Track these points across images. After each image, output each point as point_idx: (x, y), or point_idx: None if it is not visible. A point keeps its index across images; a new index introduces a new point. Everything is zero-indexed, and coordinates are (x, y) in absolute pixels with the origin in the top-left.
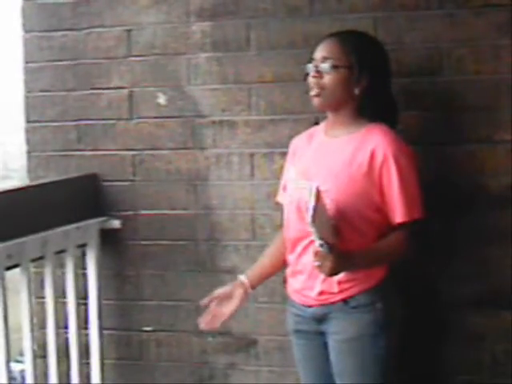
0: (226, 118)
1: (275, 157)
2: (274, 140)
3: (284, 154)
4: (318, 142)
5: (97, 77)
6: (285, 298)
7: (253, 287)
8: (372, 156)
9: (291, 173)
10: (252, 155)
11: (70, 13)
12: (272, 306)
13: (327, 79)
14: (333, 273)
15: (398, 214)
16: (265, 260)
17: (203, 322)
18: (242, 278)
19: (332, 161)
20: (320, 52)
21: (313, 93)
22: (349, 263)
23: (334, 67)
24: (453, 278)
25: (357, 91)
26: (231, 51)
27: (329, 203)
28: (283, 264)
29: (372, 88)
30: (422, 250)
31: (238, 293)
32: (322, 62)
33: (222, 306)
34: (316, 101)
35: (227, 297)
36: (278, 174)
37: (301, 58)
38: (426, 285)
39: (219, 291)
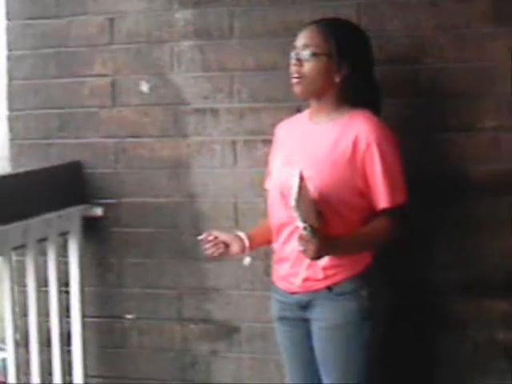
0: (208, 106)
1: (258, 144)
2: (257, 128)
3: (266, 142)
4: (301, 128)
5: (79, 65)
6: (267, 286)
7: (250, 248)
8: (355, 142)
9: (276, 160)
10: (234, 143)
11: (53, 1)
12: (254, 294)
13: (307, 67)
14: (317, 256)
15: (382, 200)
16: (262, 227)
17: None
18: (242, 235)
19: (315, 147)
20: (301, 40)
21: (294, 81)
22: (333, 247)
23: (314, 55)
24: (436, 266)
25: (337, 79)
26: (214, 39)
27: (312, 190)
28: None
29: (353, 75)
30: (405, 237)
31: (236, 246)
32: (303, 50)
33: (216, 248)
34: (297, 88)
35: (224, 243)
36: (260, 162)
37: (283, 46)
38: (410, 273)
39: (219, 234)
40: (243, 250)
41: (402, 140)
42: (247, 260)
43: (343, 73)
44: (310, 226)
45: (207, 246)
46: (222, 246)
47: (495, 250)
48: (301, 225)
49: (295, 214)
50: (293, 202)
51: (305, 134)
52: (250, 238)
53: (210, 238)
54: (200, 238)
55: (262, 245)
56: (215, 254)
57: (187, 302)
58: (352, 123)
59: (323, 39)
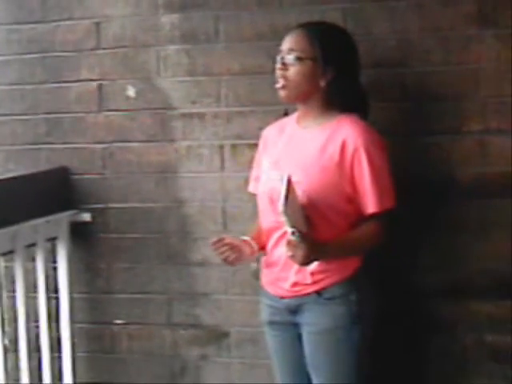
0: (195, 110)
1: (245, 148)
2: (244, 132)
3: (254, 146)
4: (289, 132)
5: (66, 70)
6: (256, 290)
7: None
8: (343, 147)
9: (264, 164)
10: (222, 147)
11: (39, 5)
12: (243, 298)
13: (292, 71)
14: (305, 262)
15: (370, 205)
16: (257, 231)
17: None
18: (249, 239)
19: (303, 152)
20: (287, 43)
21: (278, 85)
22: (321, 252)
23: (299, 59)
24: (423, 269)
25: (322, 83)
26: (200, 43)
27: (300, 194)
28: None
29: (339, 80)
30: (392, 240)
31: (247, 250)
32: (288, 54)
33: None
34: (281, 93)
35: (236, 249)
36: (247, 166)
37: (270, 50)
38: (398, 276)
39: (231, 239)
40: (253, 253)
41: (389, 143)
42: (254, 265)
43: (328, 77)
44: (299, 231)
45: (222, 249)
46: (236, 250)
47: (482, 253)
48: (289, 230)
49: (283, 219)
50: (281, 207)
51: (293, 138)
52: (255, 239)
53: (226, 241)
54: (213, 241)
55: (262, 249)
56: (230, 259)
57: (176, 307)
58: (340, 128)
59: (308, 43)
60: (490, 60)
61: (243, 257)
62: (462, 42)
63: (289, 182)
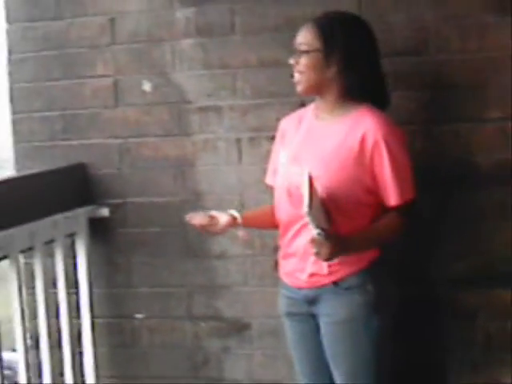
0: (211, 104)
1: (262, 141)
2: (260, 124)
3: (271, 138)
4: (307, 125)
5: (81, 66)
6: (276, 281)
7: (244, 224)
8: (362, 140)
9: (282, 156)
10: (239, 140)
11: (53, 2)
12: (263, 289)
13: (302, 64)
14: (330, 258)
15: (392, 198)
16: (261, 210)
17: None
18: (233, 211)
19: (322, 146)
20: (297, 38)
21: (294, 78)
22: (345, 247)
23: (305, 52)
24: (445, 257)
25: (329, 74)
26: (215, 36)
27: (320, 189)
28: (271, 223)
29: (349, 69)
30: (414, 229)
31: (224, 218)
32: (298, 48)
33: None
34: (298, 87)
35: (211, 216)
36: (265, 158)
37: (285, 42)
38: (418, 264)
39: (205, 212)
40: (234, 223)
41: (409, 132)
42: (240, 233)
43: (334, 67)
44: (323, 230)
45: (196, 219)
46: (207, 217)
47: (504, 240)
48: (315, 232)
49: (308, 220)
50: (305, 208)
51: (311, 131)
52: (243, 215)
53: (199, 213)
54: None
55: (258, 225)
56: (203, 223)
57: (197, 299)
58: (359, 120)
59: (314, 36)
60: (507, 47)
61: (220, 224)
62: (479, 29)
63: (310, 180)
